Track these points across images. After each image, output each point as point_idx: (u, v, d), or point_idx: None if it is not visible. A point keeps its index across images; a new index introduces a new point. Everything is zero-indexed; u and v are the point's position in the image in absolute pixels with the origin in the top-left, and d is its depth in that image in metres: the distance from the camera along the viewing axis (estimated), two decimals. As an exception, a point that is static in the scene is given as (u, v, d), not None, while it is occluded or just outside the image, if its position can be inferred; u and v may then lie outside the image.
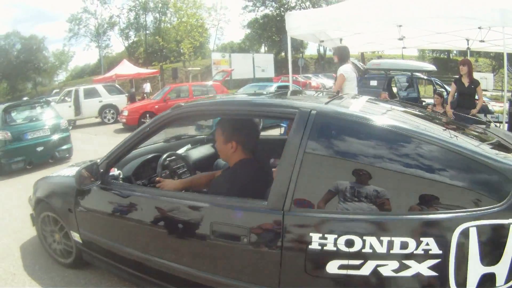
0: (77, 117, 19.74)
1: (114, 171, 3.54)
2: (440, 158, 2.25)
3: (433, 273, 2.11)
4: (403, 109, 3.47)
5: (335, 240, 2.21)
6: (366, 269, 2.18)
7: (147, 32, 61.63)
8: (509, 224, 2.05)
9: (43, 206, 4.13)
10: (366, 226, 2.23)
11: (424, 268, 2.11)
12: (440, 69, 17.51)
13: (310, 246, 2.26)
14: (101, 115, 20.07)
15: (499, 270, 2.05)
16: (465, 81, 7.44)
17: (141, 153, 4.14)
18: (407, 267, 2.12)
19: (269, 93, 4.40)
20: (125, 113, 16.62)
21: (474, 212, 2.11)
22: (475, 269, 2.07)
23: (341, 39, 12.46)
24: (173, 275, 2.93)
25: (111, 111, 20.17)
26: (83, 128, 18.65)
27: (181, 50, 41.64)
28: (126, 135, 3.47)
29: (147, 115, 15.83)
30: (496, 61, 38.91)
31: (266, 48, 60.09)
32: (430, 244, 2.11)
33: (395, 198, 2.27)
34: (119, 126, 17.54)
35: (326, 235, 2.24)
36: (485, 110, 9.36)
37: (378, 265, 2.16)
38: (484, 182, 2.19)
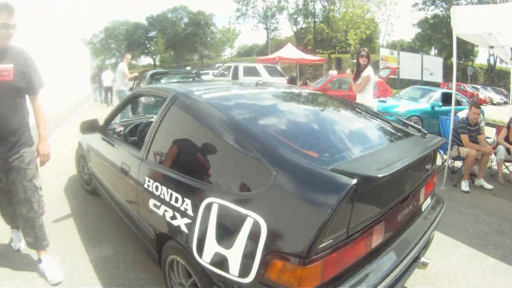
0: (234, 93, 21.10)
1: (120, 128, 5.37)
2: (224, 144, 2.60)
3: (186, 230, 2.59)
4: (269, 98, 3.79)
5: (151, 183, 3.09)
6: (161, 210, 2.92)
7: (316, 19, 62.63)
8: (245, 215, 2.18)
9: (78, 149, 6.08)
10: (163, 179, 2.99)
11: (182, 223, 2.65)
12: None
13: (144, 185, 3.19)
14: (259, 94, 21.04)
15: (232, 257, 2.23)
16: None
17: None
18: (175, 217, 2.73)
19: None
20: (282, 96, 16.69)
21: (222, 191, 2.43)
22: (210, 244, 2.35)
23: None
24: (114, 199, 4.19)
25: (270, 92, 20.93)
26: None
27: (348, 41, 41.83)
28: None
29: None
30: None
31: (436, 51, 57.59)
32: (188, 205, 2.62)
33: (187, 163, 2.99)
34: (276, 107, 17.88)
35: (149, 179, 3.15)
36: None
37: (166, 210, 2.86)
38: (248, 169, 2.38)
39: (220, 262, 2.28)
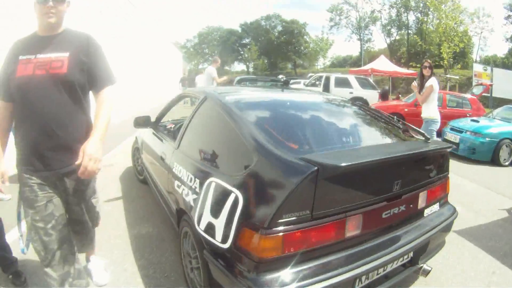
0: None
1: (171, 125, 6.03)
2: (228, 134, 3.19)
3: (193, 204, 3.13)
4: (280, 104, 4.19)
5: (177, 167, 3.74)
6: (180, 189, 3.51)
7: (409, 31, 60.81)
8: (231, 191, 2.65)
9: (134, 143, 6.98)
10: (185, 163, 3.62)
11: (191, 199, 3.19)
12: None
13: (173, 170, 3.81)
14: (353, 107, 20.42)
15: (217, 226, 2.68)
16: None
17: None
18: (188, 194, 3.28)
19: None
20: (373, 111, 15.55)
21: (221, 173, 2.95)
22: (206, 215, 2.86)
23: None
24: (155, 184, 4.89)
25: (360, 105, 20.18)
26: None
27: (441, 55, 40.46)
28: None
29: (394, 117, 14.45)
30: None
31: (530, 67, 53.61)
32: (197, 183, 3.17)
33: (202, 150, 3.58)
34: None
35: (177, 164, 3.78)
36: None
37: (183, 189, 3.43)
38: (240, 156, 2.88)
39: (210, 229, 2.73)
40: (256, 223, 2.37)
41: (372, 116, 4.14)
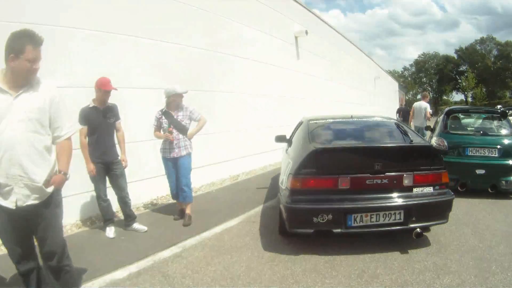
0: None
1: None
2: (300, 138, 6.16)
3: (281, 174, 6.04)
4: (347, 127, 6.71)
5: (284, 159, 6.70)
6: (283, 170, 6.15)
7: None
8: (289, 161, 5.59)
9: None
10: (286, 155, 6.62)
11: (282, 173, 6.01)
12: None
13: (283, 161, 7.00)
14: None
15: (283, 179, 5.52)
16: None
17: None
18: (282, 170, 6.14)
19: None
20: None
21: (291, 156, 5.81)
22: (282, 175, 5.81)
23: None
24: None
25: None
26: None
27: None
28: None
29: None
30: None
31: None
32: (285, 164, 6.00)
33: (292, 146, 6.62)
34: None
35: (285, 157, 6.85)
36: None
37: (283, 170, 6.08)
38: (300, 146, 5.83)
39: (282, 182, 5.64)
40: (292, 173, 5.08)
41: (394, 130, 6.35)
